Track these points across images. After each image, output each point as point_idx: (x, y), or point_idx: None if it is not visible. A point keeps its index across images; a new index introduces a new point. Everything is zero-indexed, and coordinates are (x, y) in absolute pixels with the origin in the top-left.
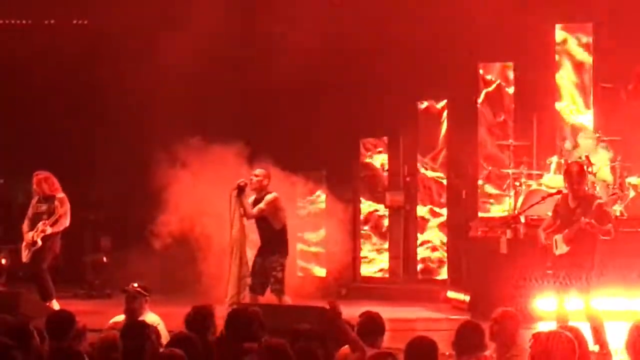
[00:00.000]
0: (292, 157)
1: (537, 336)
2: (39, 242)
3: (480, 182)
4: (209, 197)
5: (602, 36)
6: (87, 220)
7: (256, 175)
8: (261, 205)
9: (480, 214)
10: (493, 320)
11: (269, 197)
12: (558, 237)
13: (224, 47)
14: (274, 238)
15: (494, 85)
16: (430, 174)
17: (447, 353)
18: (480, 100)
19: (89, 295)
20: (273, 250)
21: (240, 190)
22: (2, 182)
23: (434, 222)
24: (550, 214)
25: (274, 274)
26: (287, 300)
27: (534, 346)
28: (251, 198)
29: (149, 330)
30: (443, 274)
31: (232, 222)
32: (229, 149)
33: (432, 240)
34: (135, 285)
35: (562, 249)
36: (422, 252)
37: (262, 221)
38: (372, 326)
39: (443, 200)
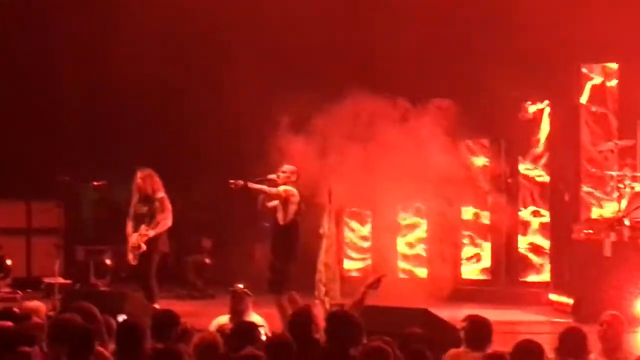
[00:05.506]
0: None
1: None
2: (143, 247)
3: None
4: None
5: None
6: (189, 221)
7: (284, 172)
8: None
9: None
10: (603, 323)
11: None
12: None
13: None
14: (280, 234)
15: (596, 86)
16: (532, 175)
17: (552, 357)
18: (583, 101)
19: (191, 296)
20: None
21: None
22: (106, 183)
23: (536, 224)
24: None
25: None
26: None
27: None
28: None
29: (258, 332)
30: (545, 277)
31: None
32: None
33: (534, 243)
34: (241, 285)
35: None
36: (524, 254)
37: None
38: (479, 331)
39: (545, 202)
